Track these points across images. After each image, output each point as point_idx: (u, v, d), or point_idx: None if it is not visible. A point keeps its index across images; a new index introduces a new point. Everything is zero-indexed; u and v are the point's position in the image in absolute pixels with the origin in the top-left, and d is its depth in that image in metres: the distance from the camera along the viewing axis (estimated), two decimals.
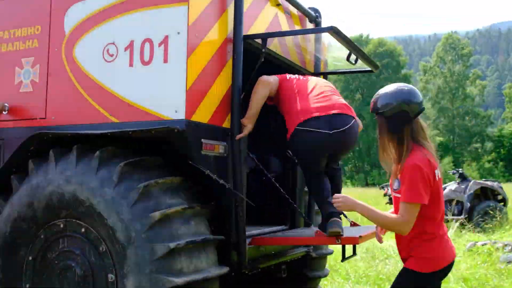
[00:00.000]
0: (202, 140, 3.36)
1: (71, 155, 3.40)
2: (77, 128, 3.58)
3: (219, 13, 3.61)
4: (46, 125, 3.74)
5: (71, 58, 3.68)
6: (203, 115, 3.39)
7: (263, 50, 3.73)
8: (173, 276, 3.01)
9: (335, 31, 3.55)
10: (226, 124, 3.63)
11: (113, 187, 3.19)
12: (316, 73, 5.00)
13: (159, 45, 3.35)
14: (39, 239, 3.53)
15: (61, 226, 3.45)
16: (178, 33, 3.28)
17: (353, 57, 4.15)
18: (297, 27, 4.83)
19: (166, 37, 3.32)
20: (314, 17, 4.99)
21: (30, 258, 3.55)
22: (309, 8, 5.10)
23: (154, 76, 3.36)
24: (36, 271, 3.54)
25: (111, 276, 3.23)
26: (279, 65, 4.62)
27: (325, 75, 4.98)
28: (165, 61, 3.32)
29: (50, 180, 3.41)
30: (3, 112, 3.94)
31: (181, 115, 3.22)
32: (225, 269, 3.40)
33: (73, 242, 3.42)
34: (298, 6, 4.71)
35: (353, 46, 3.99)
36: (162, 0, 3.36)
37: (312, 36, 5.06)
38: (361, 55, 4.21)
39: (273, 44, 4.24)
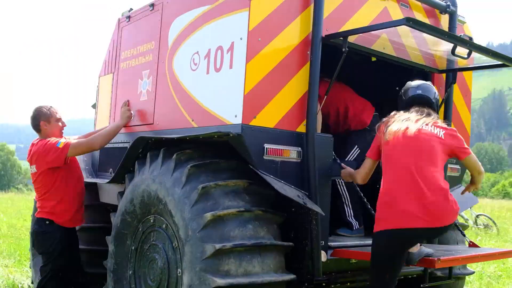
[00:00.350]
0: (265, 145, 3.34)
1: (159, 158, 3.74)
2: (171, 132, 3.90)
3: (297, 12, 3.54)
4: (152, 130, 4.17)
5: (171, 68, 4.04)
6: (267, 120, 3.37)
7: (344, 49, 3.51)
8: (218, 276, 3.07)
9: (413, 23, 3.14)
10: (301, 128, 3.53)
11: (181, 187, 3.41)
12: (448, 70, 4.46)
13: (227, 51, 3.45)
14: (138, 232, 3.96)
15: (152, 220, 3.82)
16: (241, 38, 3.33)
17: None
18: (424, 21, 4.37)
19: (232, 43, 3.41)
20: (444, 7, 4.45)
21: (133, 248, 4.01)
22: None
23: (222, 82, 3.47)
24: (136, 260, 3.98)
25: (179, 271, 3.45)
26: (391, 65, 4.27)
27: (454, 72, 4.40)
28: (231, 67, 3.41)
29: (143, 180, 3.81)
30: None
31: (239, 120, 3.26)
32: (287, 277, 3.31)
33: (158, 236, 3.75)
34: None
35: (456, 38, 3.46)
36: (231, 8, 3.46)
37: (446, 29, 4.52)
38: (475, 47, 3.62)
39: (379, 44, 3.92)
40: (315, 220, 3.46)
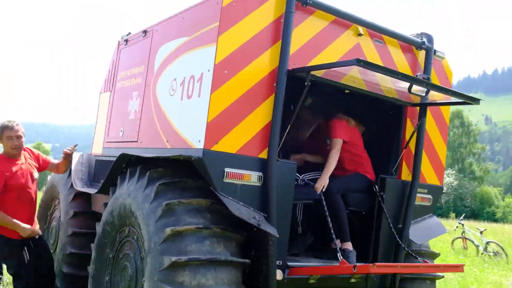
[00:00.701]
0: (226, 168, 3.62)
1: (136, 174, 4.07)
2: (151, 151, 4.23)
3: (266, 47, 3.81)
4: (136, 147, 4.51)
5: (155, 92, 4.39)
6: (229, 146, 3.65)
7: (306, 83, 3.78)
8: (173, 287, 3.36)
9: (363, 63, 3.38)
10: (264, 155, 3.80)
11: (149, 203, 3.73)
12: (418, 104, 4.66)
13: (198, 81, 3.76)
14: (116, 241, 4.29)
15: (127, 231, 4.15)
16: (208, 70, 3.64)
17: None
18: (398, 56, 4.61)
19: (202, 74, 3.72)
20: (419, 43, 4.67)
21: (111, 256, 4.34)
22: (419, 34, 4.80)
23: (192, 108, 3.78)
24: (113, 267, 4.30)
25: (143, 279, 3.76)
26: (364, 97, 4.51)
27: (424, 106, 4.61)
28: (199, 95, 3.72)
29: (121, 193, 4.15)
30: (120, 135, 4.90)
31: (201, 145, 3.56)
32: None
33: (131, 246, 4.07)
34: (392, 35, 4.51)
35: (410, 78, 3.69)
36: (203, 41, 3.77)
37: (422, 64, 4.74)
38: (431, 86, 3.84)
39: (349, 78, 4.12)
40: (271, 241, 3.72)
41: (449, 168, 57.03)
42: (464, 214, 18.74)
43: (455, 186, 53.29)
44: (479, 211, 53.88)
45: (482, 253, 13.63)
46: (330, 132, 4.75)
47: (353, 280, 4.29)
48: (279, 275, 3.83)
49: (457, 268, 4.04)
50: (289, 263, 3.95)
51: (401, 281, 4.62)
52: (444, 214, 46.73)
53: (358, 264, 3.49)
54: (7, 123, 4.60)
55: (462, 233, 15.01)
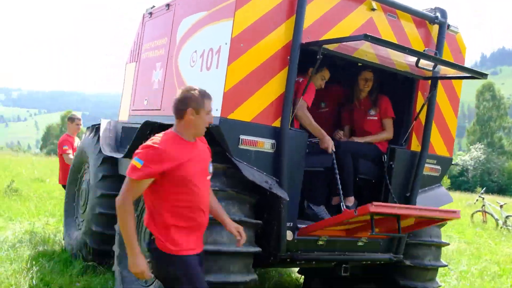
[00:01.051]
0: (241, 136, 3.89)
1: None
2: (172, 119, 4.51)
3: (281, 21, 4.02)
4: (159, 115, 4.81)
5: (176, 63, 4.65)
6: (245, 114, 3.91)
7: (318, 57, 3.98)
8: None
9: (371, 38, 3.57)
10: (277, 123, 4.04)
11: None
12: (432, 78, 4.81)
13: (216, 53, 4.01)
14: (140, 201, 4.63)
15: None
16: (226, 43, 3.88)
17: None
18: (411, 31, 4.75)
19: (220, 47, 3.96)
20: (432, 18, 4.79)
21: (136, 215, 4.69)
22: (433, 8, 4.91)
23: (210, 79, 4.04)
24: (139, 220, 4.66)
25: None
26: (375, 70, 4.68)
27: (435, 79, 4.75)
28: (217, 67, 3.96)
29: None
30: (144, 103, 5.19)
31: (218, 114, 3.83)
32: (252, 249, 3.89)
33: None
34: (405, 10, 4.63)
35: (417, 53, 3.86)
36: (220, 16, 4.00)
37: (436, 38, 4.87)
38: (438, 61, 4.00)
39: (361, 52, 4.29)
40: (282, 204, 4.00)
41: (478, 142, 56.23)
42: (485, 188, 18.72)
43: (482, 160, 52.60)
44: (507, 186, 53.21)
45: (501, 227, 13.72)
46: (384, 109, 5.04)
47: (360, 244, 4.55)
48: (289, 236, 4.12)
49: (454, 213, 4.11)
50: (299, 225, 4.23)
51: (407, 246, 4.86)
52: (471, 189, 46.32)
53: (357, 208, 3.74)
54: (203, 90, 3.13)
55: (482, 207, 15.09)
